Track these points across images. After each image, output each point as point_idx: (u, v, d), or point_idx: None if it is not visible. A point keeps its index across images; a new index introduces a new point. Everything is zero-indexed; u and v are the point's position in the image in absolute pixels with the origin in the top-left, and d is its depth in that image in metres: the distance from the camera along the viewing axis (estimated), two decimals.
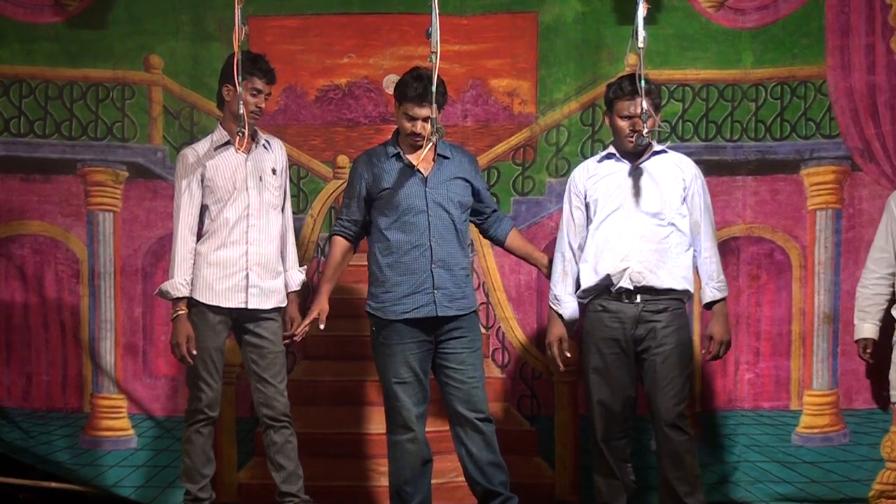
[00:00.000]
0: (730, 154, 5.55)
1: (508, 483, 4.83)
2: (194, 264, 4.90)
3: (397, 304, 4.77)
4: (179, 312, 4.88)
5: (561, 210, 5.39)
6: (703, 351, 4.93)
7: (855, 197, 5.51)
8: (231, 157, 4.95)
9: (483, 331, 5.42)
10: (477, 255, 5.57)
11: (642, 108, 4.64)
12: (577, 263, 4.93)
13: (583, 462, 5.49)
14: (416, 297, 4.76)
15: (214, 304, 4.90)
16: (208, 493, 5.01)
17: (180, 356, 4.86)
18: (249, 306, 4.93)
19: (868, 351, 5.17)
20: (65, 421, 5.63)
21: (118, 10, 5.59)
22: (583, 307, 4.94)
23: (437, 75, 4.55)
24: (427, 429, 4.85)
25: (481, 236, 5.25)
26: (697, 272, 4.91)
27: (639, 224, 4.80)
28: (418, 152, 4.75)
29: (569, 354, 4.96)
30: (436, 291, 4.77)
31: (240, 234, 4.93)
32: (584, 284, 4.89)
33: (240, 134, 4.72)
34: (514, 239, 5.07)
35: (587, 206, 4.93)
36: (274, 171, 5.02)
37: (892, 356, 5.07)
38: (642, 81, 4.60)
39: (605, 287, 4.83)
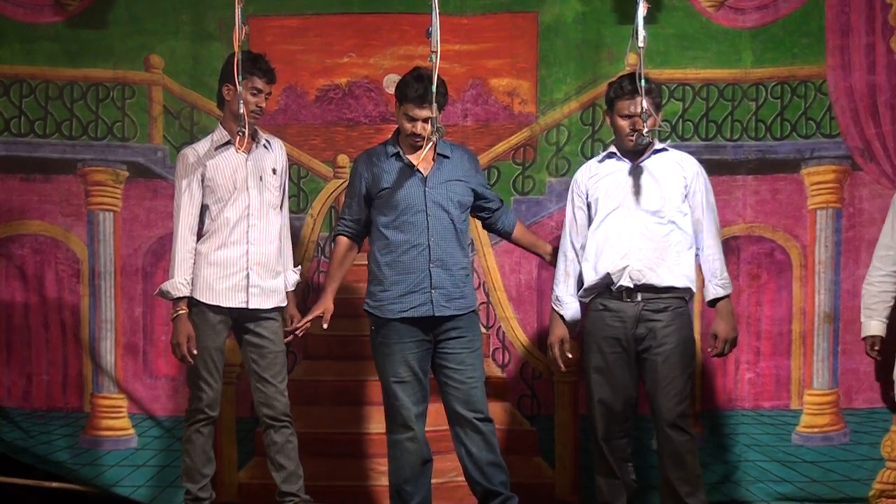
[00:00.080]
0: (730, 153, 5.55)
1: (508, 483, 4.84)
2: (195, 264, 4.90)
3: (395, 303, 4.77)
4: (180, 312, 4.88)
5: (561, 209, 5.42)
6: (709, 349, 4.92)
7: (855, 196, 5.51)
8: (232, 156, 4.95)
9: (483, 330, 5.42)
10: (477, 255, 5.57)
11: (642, 108, 4.65)
12: (579, 264, 4.93)
13: (583, 462, 5.49)
14: (414, 297, 4.77)
15: (215, 303, 4.90)
16: (208, 492, 5.01)
17: (181, 356, 4.86)
18: (250, 306, 4.93)
19: (876, 348, 5.15)
20: (65, 421, 5.63)
21: (118, 10, 5.60)
22: (585, 306, 4.94)
23: (438, 75, 4.55)
24: (427, 428, 4.86)
25: (484, 232, 5.26)
26: (700, 271, 4.91)
27: (638, 222, 4.80)
28: (418, 152, 4.75)
29: (570, 356, 4.96)
30: (433, 291, 4.77)
31: (240, 234, 4.93)
32: (585, 283, 4.90)
33: (240, 134, 4.72)
34: (519, 231, 5.09)
35: (589, 205, 4.94)
36: (274, 171, 5.02)
37: None
38: (642, 81, 4.60)
39: (606, 286, 4.84)
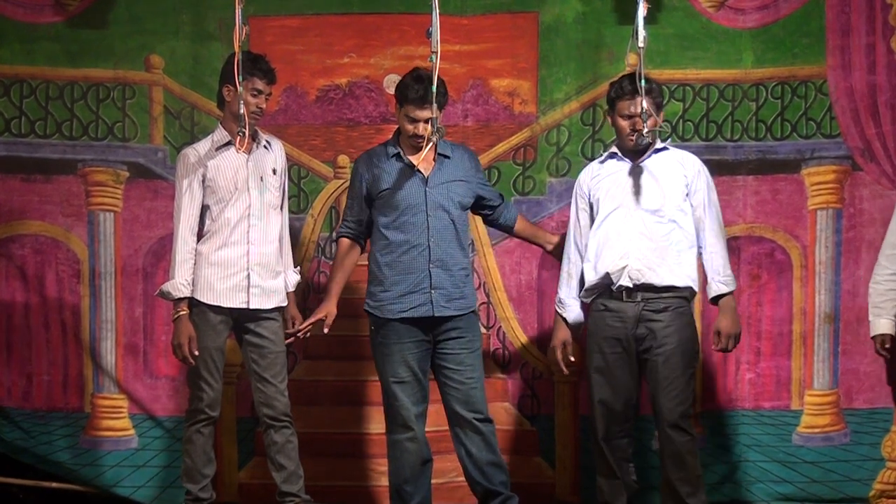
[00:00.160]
0: (730, 154, 5.55)
1: (509, 483, 4.84)
2: (195, 264, 4.90)
3: (395, 303, 4.77)
4: (181, 313, 4.87)
5: (561, 209, 5.44)
6: (712, 346, 4.91)
7: (855, 196, 5.51)
8: (232, 157, 4.95)
9: (483, 331, 5.43)
10: (477, 255, 5.57)
11: (642, 108, 4.65)
12: (583, 265, 4.94)
13: (583, 462, 5.49)
14: (414, 297, 4.77)
15: (215, 304, 4.90)
16: (209, 493, 5.01)
17: (182, 357, 4.85)
18: (251, 306, 4.93)
19: (887, 346, 5.11)
20: (65, 421, 5.63)
21: (119, 10, 5.60)
22: (587, 307, 4.94)
23: (438, 75, 4.55)
24: (427, 428, 4.86)
25: (484, 232, 5.28)
26: (703, 269, 4.91)
27: (638, 222, 4.80)
28: (419, 153, 4.75)
29: (572, 359, 4.96)
30: (433, 291, 4.77)
31: (241, 235, 4.93)
32: (586, 283, 4.90)
33: (240, 134, 4.72)
34: (521, 224, 5.11)
35: (591, 206, 4.94)
36: (274, 172, 5.02)
37: None
38: (642, 81, 4.60)
39: (607, 286, 4.84)
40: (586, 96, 5.58)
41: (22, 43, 5.62)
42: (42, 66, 5.63)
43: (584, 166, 5.12)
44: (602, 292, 4.87)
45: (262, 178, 4.97)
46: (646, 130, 4.69)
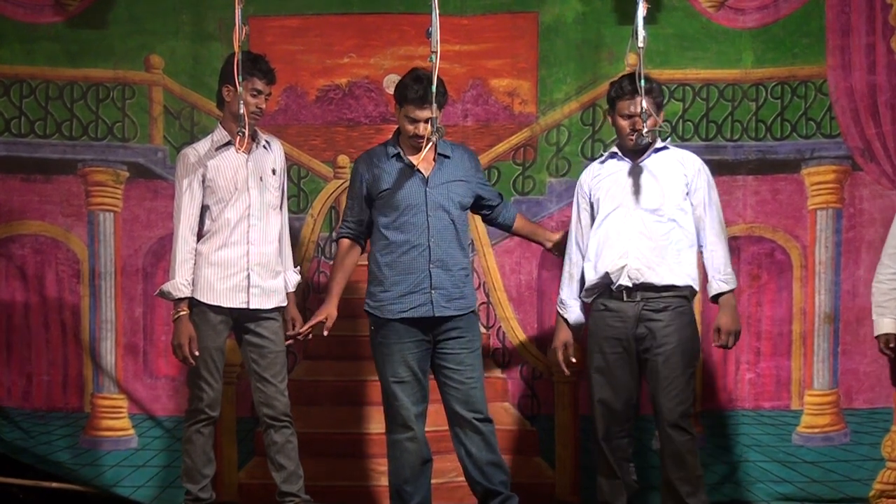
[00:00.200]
0: (730, 154, 5.55)
1: (509, 482, 4.84)
2: (195, 264, 4.90)
3: (395, 304, 4.77)
4: (181, 313, 4.87)
5: (561, 209, 5.45)
6: (713, 342, 4.91)
7: (855, 196, 5.51)
8: (232, 157, 4.95)
9: (483, 331, 5.43)
10: (477, 255, 5.57)
11: (642, 108, 4.65)
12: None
13: (583, 462, 5.50)
14: (414, 297, 4.77)
15: (216, 303, 4.90)
16: (209, 493, 5.01)
17: (182, 357, 4.85)
18: (251, 306, 4.93)
19: (891, 345, 5.09)
20: (65, 421, 5.63)
21: (118, 10, 5.60)
22: (588, 307, 4.95)
23: (437, 75, 4.55)
24: (427, 428, 4.86)
25: (484, 232, 5.28)
26: (704, 269, 4.91)
27: (637, 221, 4.80)
28: (419, 153, 4.75)
29: (574, 360, 4.97)
30: (433, 291, 4.77)
31: (241, 235, 4.93)
32: (586, 283, 4.91)
33: (240, 134, 4.72)
34: (520, 222, 5.11)
35: (591, 206, 4.95)
36: (274, 172, 5.02)
37: None
38: (642, 81, 4.61)
39: (607, 286, 4.84)
40: (586, 96, 5.58)
41: (22, 43, 5.61)
42: (42, 66, 5.63)
43: (585, 166, 5.12)
44: (602, 292, 4.87)
45: (261, 178, 4.97)
46: (645, 130, 4.70)
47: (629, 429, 4.89)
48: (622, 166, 4.90)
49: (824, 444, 5.51)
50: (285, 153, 5.23)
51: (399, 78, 4.89)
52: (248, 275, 4.92)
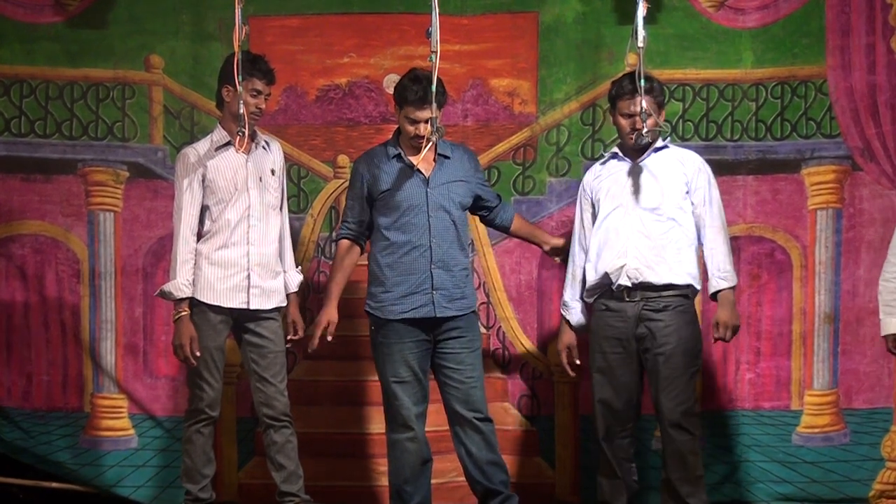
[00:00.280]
0: (730, 154, 5.54)
1: (509, 482, 4.84)
2: (195, 264, 4.90)
3: (396, 304, 4.77)
4: (182, 313, 4.87)
5: (561, 209, 5.46)
6: (712, 336, 4.90)
7: (855, 196, 5.51)
8: (232, 157, 4.95)
9: (483, 331, 5.43)
10: (477, 255, 5.57)
11: (641, 107, 4.65)
12: None
13: (583, 462, 5.50)
14: (415, 298, 4.76)
15: (216, 303, 4.90)
16: (209, 493, 5.01)
17: (184, 357, 4.85)
18: (251, 307, 4.94)
19: None
20: (65, 421, 5.63)
21: (118, 10, 5.60)
22: (590, 307, 4.95)
23: (437, 75, 4.55)
24: (427, 428, 4.86)
25: (484, 232, 5.28)
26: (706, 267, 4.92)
27: (636, 220, 4.81)
28: (419, 153, 4.74)
29: (578, 362, 4.98)
30: (435, 292, 4.77)
31: (241, 235, 4.93)
32: (587, 283, 4.92)
33: (240, 134, 4.72)
34: (518, 223, 5.11)
35: (593, 206, 4.96)
36: (273, 172, 5.03)
37: None
38: (641, 80, 4.61)
39: (607, 286, 4.85)
40: (586, 96, 5.58)
41: (22, 43, 5.61)
42: (42, 66, 5.63)
43: (585, 167, 5.13)
44: (603, 292, 4.88)
45: (261, 178, 4.97)
46: (645, 130, 4.70)
47: (631, 429, 4.89)
48: (622, 166, 4.91)
49: (824, 444, 5.51)
50: (285, 153, 5.24)
51: (399, 78, 4.89)
52: (249, 275, 4.92)
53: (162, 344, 5.59)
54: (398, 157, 4.84)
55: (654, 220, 4.80)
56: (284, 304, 5.04)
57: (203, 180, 4.91)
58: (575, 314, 5.00)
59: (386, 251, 4.81)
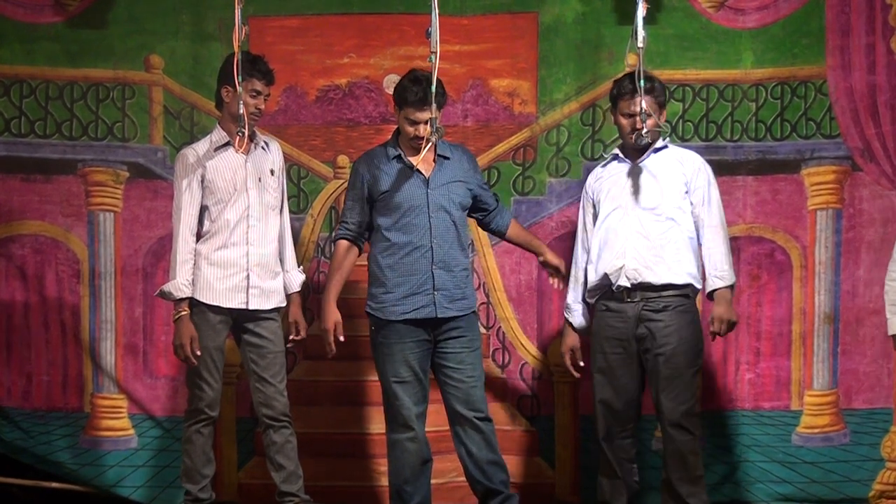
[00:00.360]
0: (730, 154, 5.54)
1: (509, 482, 4.84)
2: (195, 264, 4.90)
3: (397, 305, 4.77)
4: (182, 313, 4.87)
5: (561, 210, 5.46)
6: (709, 329, 4.90)
7: (855, 197, 5.51)
8: (231, 158, 4.95)
9: (483, 331, 5.43)
10: (477, 255, 5.57)
11: (641, 108, 4.66)
12: None
13: (583, 462, 5.50)
14: (417, 298, 4.76)
15: (215, 303, 4.90)
16: (208, 493, 5.01)
17: (184, 357, 4.85)
18: (250, 307, 4.94)
19: None
20: (65, 421, 5.63)
21: (118, 10, 5.59)
22: (593, 308, 4.96)
23: (436, 75, 4.55)
24: (427, 428, 4.85)
25: (484, 233, 5.26)
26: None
27: (635, 221, 4.82)
28: (419, 154, 4.74)
29: (582, 363, 4.98)
30: (436, 293, 4.77)
31: (240, 235, 4.93)
32: (588, 284, 4.93)
33: (240, 134, 4.72)
34: (514, 229, 5.08)
35: (594, 208, 4.97)
36: (272, 173, 5.03)
37: None
38: (641, 81, 4.61)
39: (608, 287, 4.85)
40: (586, 96, 5.58)
41: (22, 43, 5.61)
42: (42, 66, 5.63)
43: (584, 167, 5.13)
44: (604, 293, 4.89)
45: (260, 178, 4.98)
46: (645, 130, 4.70)
47: (632, 429, 4.90)
48: (623, 168, 4.91)
49: (824, 444, 5.51)
50: (285, 153, 5.24)
51: (399, 78, 4.89)
52: (248, 275, 4.92)
53: (162, 344, 5.59)
54: (398, 157, 4.84)
55: (652, 221, 4.81)
56: (284, 305, 5.04)
57: (202, 181, 4.91)
58: (577, 316, 5.01)
59: (387, 252, 4.81)
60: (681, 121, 5.56)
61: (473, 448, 4.78)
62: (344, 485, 5.57)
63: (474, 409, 4.79)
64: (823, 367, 5.52)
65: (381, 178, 4.82)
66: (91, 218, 5.65)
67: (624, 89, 4.81)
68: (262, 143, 5.04)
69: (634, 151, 4.89)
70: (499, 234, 5.11)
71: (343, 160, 5.62)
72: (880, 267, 5.40)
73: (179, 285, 4.87)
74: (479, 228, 5.40)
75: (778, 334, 5.54)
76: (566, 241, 5.51)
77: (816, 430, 5.53)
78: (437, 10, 4.47)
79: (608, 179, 4.94)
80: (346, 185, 5.17)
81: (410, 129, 4.77)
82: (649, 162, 4.88)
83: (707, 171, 4.92)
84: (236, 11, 4.57)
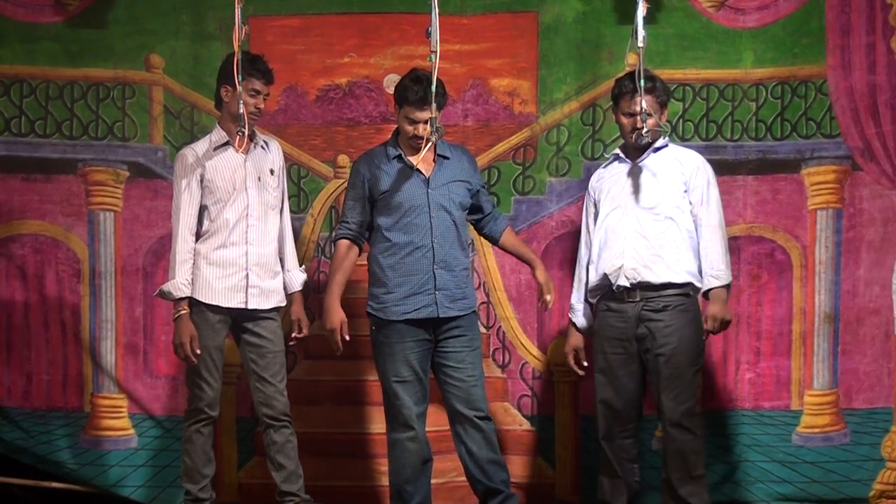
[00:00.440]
0: (730, 154, 5.54)
1: (509, 481, 4.84)
2: (194, 264, 4.90)
3: (399, 305, 4.76)
4: (181, 312, 4.87)
5: (561, 209, 5.46)
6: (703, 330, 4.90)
7: (855, 196, 5.51)
8: (230, 157, 4.95)
9: (483, 330, 5.43)
10: (477, 255, 5.57)
11: (641, 107, 4.66)
12: None
13: (583, 462, 5.50)
14: (418, 298, 4.76)
15: (214, 303, 4.90)
16: (209, 493, 5.01)
17: (184, 356, 4.85)
18: (249, 306, 4.94)
19: None
20: (65, 420, 5.63)
21: (119, 10, 5.60)
22: (596, 308, 4.97)
23: (436, 75, 4.55)
24: (427, 428, 4.85)
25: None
26: None
27: (633, 221, 4.82)
28: (418, 153, 4.74)
29: (585, 364, 4.99)
30: (437, 292, 4.77)
31: (239, 235, 4.93)
32: (590, 285, 4.94)
33: (240, 134, 4.72)
34: (507, 237, 5.06)
35: (596, 208, 4.97)
36: (272, 172, 5.03)
37: None
38: (641, 80, 4.61)
39: (608, 287, 4.85)
40: (586, 96, 5.58)
41: (22, 43, 5.61)
42: (42, 65, 5.63)
43: (585, 167, 5.13)
44: (605, 293, 4.89)
45: (259, 178, 4.98)
46: (645, 130, 4.70)
47: (633, 429, 4.90)
48: (623, 168, 4.92)
49: (824, 444, 5.51)
50: (285, 153, 5.24)
51: (399, 77, 4.89)
52: (247, 275, 4.92)
53: (162, 343, 5.59)
54: (399, 157, 4.83)
55: (651, 220, 4.81)
56: (283, 305, 5.04)
57: (201, 180, 4.92)
58: (580, 316, 5.02)
59: (387, 252, 4.81)
60: (681, 120, 5.56)
61: (474, 447, 4.78)
62: (344, 484, 5.57)
63: (474, 408, 4.78)
64: (823, 366, 5.52)
65: (381, 178, 4.82)
66: (91, 217, 5.65)
67: (625, 88, 4.81)
68: (262, 143, 5.04)
69: (635, 151, 4.89)
70: (491, 239, 5.08)
71: (343, 160, 5.62)
72: (880, 266, 5.42)
73: (178, 285, 4.87)
74: None
75: (778, 334, 5.54)
76: (566, 241, 5.52)
77: (817, 430, 5.52)
78: (437, 10, 4.48)
79: (608, 179, 4.95)
80: (346, 184, 5.17)
81: (409, 128, 4.77)
82: (649, 161, 4.88)
83: (706, 170, 4.92)
84: (236, 11, 4.57)
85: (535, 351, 5.61)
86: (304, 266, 5.19)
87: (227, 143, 4.95)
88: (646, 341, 4.80)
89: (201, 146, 4.98)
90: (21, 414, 5.63)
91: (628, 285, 4.79)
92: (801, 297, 5.52)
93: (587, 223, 5.03)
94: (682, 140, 5.48)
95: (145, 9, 5.60)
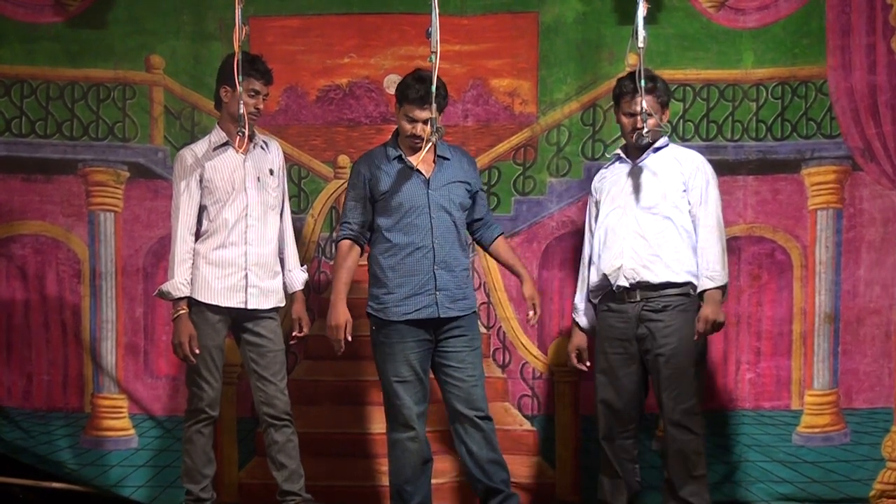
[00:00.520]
0: (731, 154, 5.54)
1: (509, 480, 4.84)
2: (193, 264, 4.90)
3: (399, 306, 4.77)
4: (181, 312, 4.88)
5: (561, 209, 5.45)
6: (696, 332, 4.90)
7: (856, 197, 5.51)
8: (230, 157, 4.95)
9: (483, 330, 5.44)
10: (477, 255, 5.57)
11: (641, 107, 4.66)
12: None
13: (583, 462, 5.50)
14: (419, 299, 4.76)
15: (214, 303, 4.91)
16: (209, 493, 5.01)
17: (183, 356, 4.86)
18: (249, 306, 4.94)
19: None
20: (65, 421, 5.64)
21: (119, 10, 5.60)
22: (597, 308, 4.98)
23: (438, 76, 4.55)
24: (427, 428, 4.86)
25: None
26: None
27: (632, 221, 4.82)
28: (418, 154, 4.74)
29: (588, 363, 4.99)
30: (438, 293, 4.77)
31: (239, 235, 4.93)
32: (591, 285, 4.94)
33: (240, 134, 4.72)
34: (498, 246, 5.04)
35: (597, 209, 4.98)
36: (272, 172, 5.03)
37: None
38: (641, 80, 4.62)
39: (609, 287, 4.85)
40: (586, 96, 5.58)
41: (22, 43, 5.62)
42: (42, 66, 5.63)
43: (585, 167, 5.13)
44: (606, 293, 4.89)
45: (259, 178, 4.98)
46: (646, 130, 4.71)
47: (633, 430, 4.90)
48: (623, 168, 4.93)
49: (824, 444, 5.51)
50: (285, 153, 5.25)
51: (399, 78, 4.90)
52: (246, 275, 4.93)
53: (162, 344, 5.59)
54: (399, 158, 4.84)
55: (650, 220, 4.81)
56: (283, 304, 5.05)
57: (201, 181, 4.92)
58: (583, 316, 5.02)
59: (388, 253, 4.81)
60: (681, 120, 5.56)
61: (474, 447, 4.79)
62: (344, 484, 5.57)
63: (475, 407, 4.79)
64: (824, 366, 5.52)
65: (381, 179, 4.82)
66: (92, 218, 5.65)
67: (626, 88, 4.82)
68: (262, 143, 5.05)
69: (635, 151, 4.90)
70: (483, 245, 5.07)
71: (343, 160, 5.62)
72: (881, 266, 5.42)
73: (177, 284, 4.88)
74: None
75: (778, 334, 5.54)
76: (566, 242, 5.52)
77: (817, 430, 5.52)
78: (437, 10, 4.48)
79: (609, 179, 4.96)
80: (346, 185, 5.17)
81: (408, 127, 4.77)
82: (649, 161, 4.88)
83: (706, 170, 4.91)
84: (237, 11, 4.58)
85: (535, 351, 5.61)
86: (305, 266, 5.19)
87: (226, 144, 4.95)
88: (646, 341, 4.80)
89: (201, 146, 4.98)
90: (21, 414, 5.63)
91: (628, 285, 4.79)
92: (802, 297, 5.52)
93: (590, 223, 5.03)
94: (683, 140, 5.48)
95: (145, 9, 5.60)
